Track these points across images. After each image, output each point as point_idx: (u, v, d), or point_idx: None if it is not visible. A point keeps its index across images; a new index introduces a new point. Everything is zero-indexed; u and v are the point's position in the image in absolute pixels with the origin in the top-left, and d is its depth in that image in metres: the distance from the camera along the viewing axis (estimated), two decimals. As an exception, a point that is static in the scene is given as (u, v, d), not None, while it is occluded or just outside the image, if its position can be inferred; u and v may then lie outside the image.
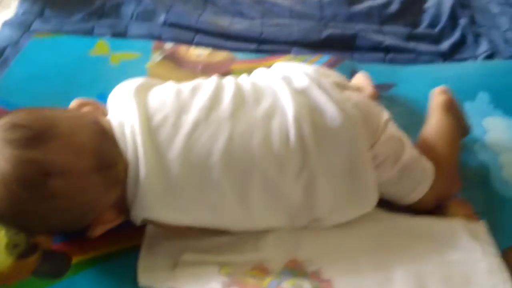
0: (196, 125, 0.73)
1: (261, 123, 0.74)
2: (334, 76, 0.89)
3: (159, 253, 0.75)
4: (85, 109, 0.79)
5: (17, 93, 1.01)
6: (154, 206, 0.71)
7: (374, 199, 0.80)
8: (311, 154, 0.74)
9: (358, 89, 0.95)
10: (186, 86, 0.80)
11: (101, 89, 0.94)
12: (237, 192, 0.72)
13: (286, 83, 0.80)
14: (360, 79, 1.07)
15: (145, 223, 0.75)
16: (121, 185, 0.71)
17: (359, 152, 0.77)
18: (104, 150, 0.70)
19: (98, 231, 0.72)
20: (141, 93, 0.77)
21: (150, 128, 0.72)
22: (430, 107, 0.95)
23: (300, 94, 0.78)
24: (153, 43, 1.18)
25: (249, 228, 0.78)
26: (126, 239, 0.76)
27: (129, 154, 0.70)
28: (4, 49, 1.15)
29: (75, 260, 0.73)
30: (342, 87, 0.84)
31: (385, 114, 0.84)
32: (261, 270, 0.74)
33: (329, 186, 0.75)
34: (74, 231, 0.73)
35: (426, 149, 0.86)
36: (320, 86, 0.79)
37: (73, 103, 0.80)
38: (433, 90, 0.97)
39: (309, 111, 0.76)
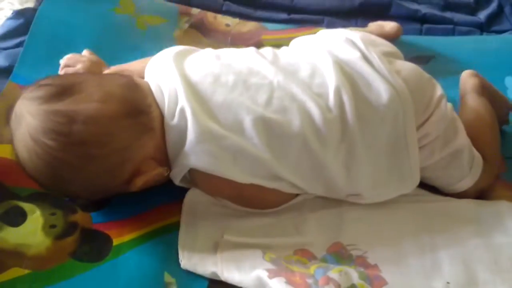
0: (234, 87, 0.72)
1: (301, 91, 0.72)
2: (383, 44, 0.84)
3: (198, 233, 0.72)
4: None
5: (41, 65, 0.92)
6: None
7: (415, 180, 0.77)
8: (351, 128, 0.72)
9: (381, 26, 0.98)
10: (225, 52, 0.80)
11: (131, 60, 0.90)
12: (275, 156, 0.70)
13: (330, 53, 0.77)
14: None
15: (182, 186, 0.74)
16: (156, 134, 0.70)
17: (404, 130, 0.74)
18: (134, 98, 0.70)
19: (139, 182, 0.69)
20: (180, 57, 0.77)
21: (190, 84, 0.71)
22: (461, 91, 0.91)
23: (344, 65, 0.75)
24: (178, 8, 1.14)
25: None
26: (167, 215, 0.74)
27: (168, 104, 0.70)
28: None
29: (115, 242, 0.69)
30: (392, 55, 0.81)
31: (439, 90, 0.79)
32: (303, 254, 0.72)
33: (369, 162, 0.73)
34: (117, 189, 0.71)
35: (469, 138, 0.82)
36: (367, 57, 0.76)
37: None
38: (462, 73, 0.92)
39: (351, 83, 0.73)
